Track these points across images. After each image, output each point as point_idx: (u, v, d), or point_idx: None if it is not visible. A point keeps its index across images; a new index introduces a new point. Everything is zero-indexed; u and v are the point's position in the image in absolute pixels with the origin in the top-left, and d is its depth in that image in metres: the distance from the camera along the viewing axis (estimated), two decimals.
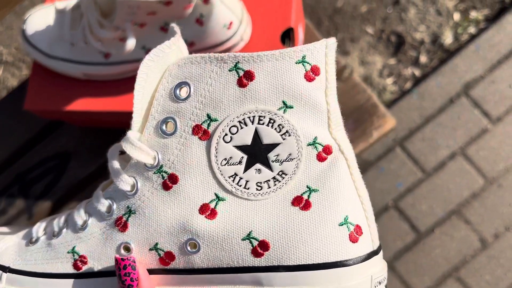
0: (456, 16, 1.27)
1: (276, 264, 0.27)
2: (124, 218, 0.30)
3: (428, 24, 1.27)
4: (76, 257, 0.31)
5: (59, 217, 0.35)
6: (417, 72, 1.25)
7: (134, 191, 0.30)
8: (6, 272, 0.32)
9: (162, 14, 0.48)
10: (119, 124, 0.65)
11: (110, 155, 0.32)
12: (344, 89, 0.66)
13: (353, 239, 0.27)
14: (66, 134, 0.71)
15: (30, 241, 0.34)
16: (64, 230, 0.33)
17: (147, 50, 0.52)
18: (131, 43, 0.49)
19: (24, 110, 0.72)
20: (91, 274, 0.31)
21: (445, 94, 1.21)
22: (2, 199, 0.72)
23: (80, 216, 0.33)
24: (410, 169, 1.19)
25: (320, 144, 0.27)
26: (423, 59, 1.25)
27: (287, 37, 0.55)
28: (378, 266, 0.28)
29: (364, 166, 1.20)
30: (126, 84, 0.57)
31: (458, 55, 1.23)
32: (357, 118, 0.65)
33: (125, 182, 0.30)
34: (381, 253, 0.29)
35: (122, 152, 0.33)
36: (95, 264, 0.31)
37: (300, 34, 0.60)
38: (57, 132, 0.72)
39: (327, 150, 0.28)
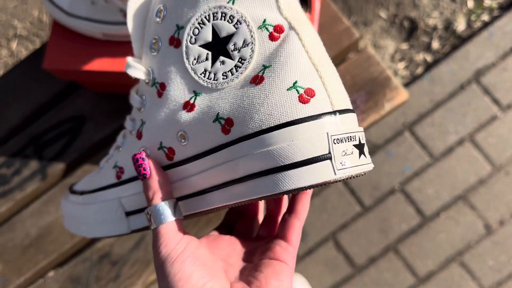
0: (470, 3, 1.26)
1: (240, 136, 0.30)
2: (140, 129, 0.36)
3: (442, 10, 1.27)
4: (117, 169, 0.39)
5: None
6: (429, 58, 1.25)
7: (142, 106, 0.36)
8: (81, 195, 0.41)
9: None
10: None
11: (132, 89, 0.39)
12: (358, 61, 0.67)
13: (303, 101, 0.28)
14: (82, 98, 0.72)
15: (97, 172, 0.42)
16: (113, 154, 0.40)
17: None
18: None
19: (41, 73, 0.74)
20: (126, 181, 0.38)
21: (456, 80, 1.22)
22: (17, 160, 0.73)
23: (119, 139, 0.40)
24: (418, 154, 1.20)
25: (270, 25, 0.30)
26: (435, 45, 1.25)
27: (304, 3, 0.56)
28: (340, 126, 0.29)
29: (373, 149, 1.21)
30: None
31: (471, 41, 1.23)
32: (369, 90, 0.66)
33: (135, 100, 0.37)
34: (346, 115, 0.30)
35: None
36: (128, 171, 0.38)
37: (317, 3, 0.61)
38: (73, 96, 0.73)
39: (278, 29, 0.30)
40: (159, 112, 0.34)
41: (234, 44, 0.30)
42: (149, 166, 0.34)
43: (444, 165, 1.19)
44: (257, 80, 0.29)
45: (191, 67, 0.32)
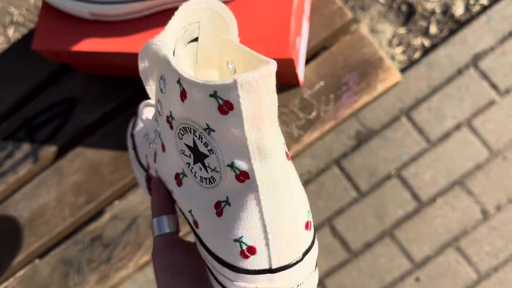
0: None
1: (203, 242, 0.33)
2: (156, 150, 0.39)
3: None
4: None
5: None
6: (427, 42, 1.24)
7: (157, 136, 0.38)
8: (133, 149, 0.49)
9: None
10: (125, 68, 0.65)
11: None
12: (351, 41, 0.66)
13: (244, 255, 0.30)
14: (74, 80, 0.72)
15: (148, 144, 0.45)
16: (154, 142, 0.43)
17: None
18: None
19: (34, 55, 0.73)
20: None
21: (453, 65, 1.21)
22: (9, 142, 0.73)
23: (151, 135, 0.43)
24: (414, 139, 1.20)
25: (237, 169, 0.29)
26: (433, 29, 1.24)
27: None
28: (272, 284, 0.31)
29: (369, 134, 1.20)
30: (133, 25, 0.58)
31: (469, 26, 1.22)
32: (362, 71, 0.65)
33: (154, 125, 0.40)
34: (281, 274, 0.31)
35: None
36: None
37: (304, 30, 0.61)
38: (65, 78, 0.73)
39: (245, 175, 0.29)
40: (163, 162, 0.37)
41: (208, 163, 0.30)
42: (151, 187, 0.41)
43: (441, 150, 1.19)
44: (218, 209, 0.31)
45: (179, 154, 0.33)
